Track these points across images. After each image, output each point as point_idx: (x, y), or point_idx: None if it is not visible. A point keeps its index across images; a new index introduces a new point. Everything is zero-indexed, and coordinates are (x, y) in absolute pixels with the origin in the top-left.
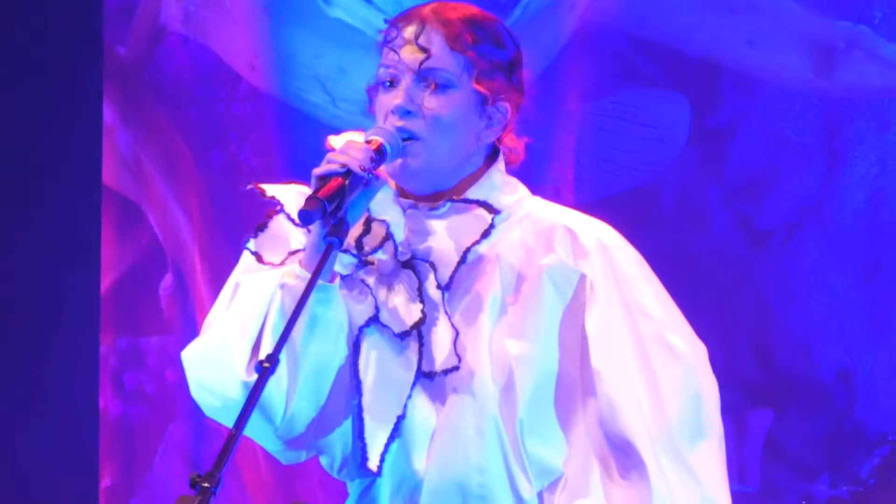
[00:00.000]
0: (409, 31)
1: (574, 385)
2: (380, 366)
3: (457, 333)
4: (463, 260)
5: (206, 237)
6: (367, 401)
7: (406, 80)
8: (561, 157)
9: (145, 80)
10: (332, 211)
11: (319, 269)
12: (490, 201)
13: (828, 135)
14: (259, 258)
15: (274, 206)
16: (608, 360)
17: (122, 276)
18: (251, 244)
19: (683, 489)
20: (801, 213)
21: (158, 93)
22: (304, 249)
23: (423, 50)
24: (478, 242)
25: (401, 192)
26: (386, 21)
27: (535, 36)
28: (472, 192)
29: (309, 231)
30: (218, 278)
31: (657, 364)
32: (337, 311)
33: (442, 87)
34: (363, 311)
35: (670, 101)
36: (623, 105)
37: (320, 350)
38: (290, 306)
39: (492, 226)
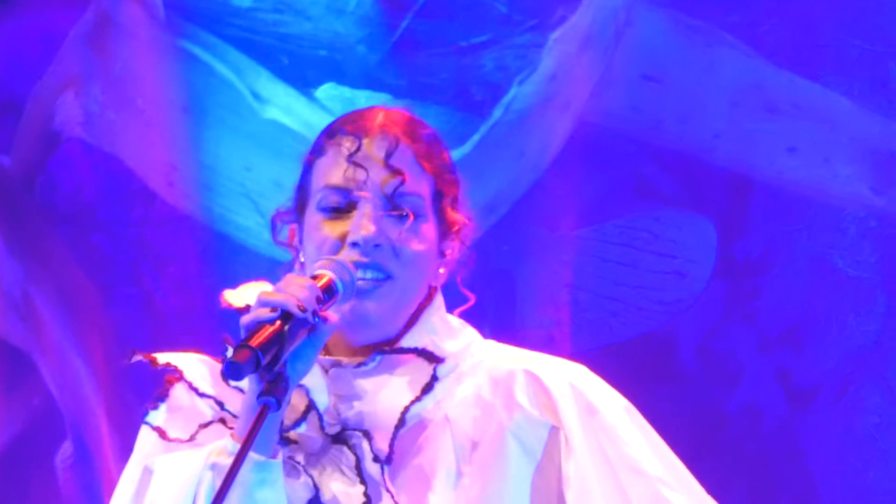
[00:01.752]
0: (378, 145)
1: None
2: None
3: None
4: (402, 423)
5: (114, 394)
6: None
7: (370, 207)
8: (553, 295)
9: (37, 198)
10: (267, 364)
11: (252, 435)
12: (430, 349)
13: (889, 266)
14: (163, 434)
15: (172, 373)
16: None
17: (7, 444)
18: (151, 417)
19: None
20: (855, 365)
21: (54, 214)
22: (214, 421)
23: (396, 172)
24: (418, 399)
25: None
26: (340, 127)
27: (521, 142)
28: (407, 340)
29: (219, 406)
30: (130, 445)
31: None
32: (282, 494)
33: (416, 218)
34: (299, 492)
35: (691, 224)
36: (632, 229)
37: None
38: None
39: (434, 378)
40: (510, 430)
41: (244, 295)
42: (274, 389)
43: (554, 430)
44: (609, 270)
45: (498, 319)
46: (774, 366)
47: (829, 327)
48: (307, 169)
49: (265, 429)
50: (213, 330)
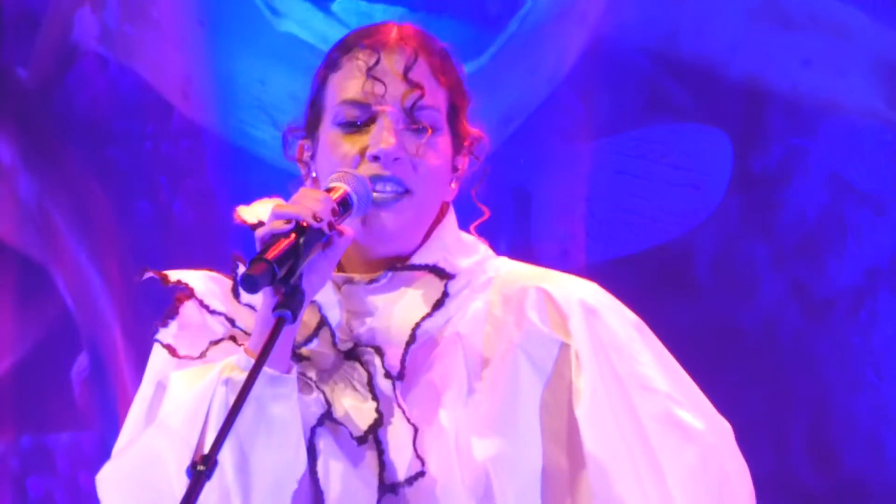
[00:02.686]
0: (395, 59)
1: (564, 480)
2: (341, 475)
3: (416, 431)
4: (413, 339)
5: (129, 308)
6: None
7: (389, 120)
8: (568, 208)
9: (53, 111)
10: (283, 277)
11: (267, 349)
12: (441, 265)
13: None
14: (173, 352)
15: (183, 291)
16: (604, 449)
17: (24, 357)
18: (161, 335)
19: None
20: (870, 277)
21: (70, 127)
22: (225, 338)
23: (415, 86)
24: (429, 316)
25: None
26: (356, 41)
27: (536, 56)
28: (418, 257)
29: (230, 323)
30: (146, 360)
31: (665, 449)
32: (297, 410)
33: (431, 132)
34: (311, 408)
35: (707, 137)
36: (647, 142)
37: (279, 459)
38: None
39: (445, 294)
40: (520, 346)
41: (257, 211)
42: (289, 302)
43: (564, 347)
44: (624, 183)
45: (513, 233)
46: (790, 279)
47: (845, 240)
48: (320, 84)
49: (280, 343)
50: (228, 243)
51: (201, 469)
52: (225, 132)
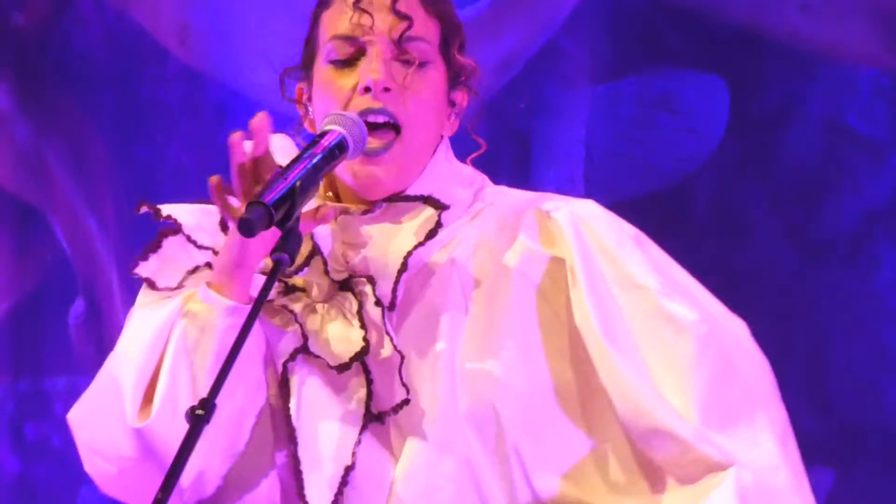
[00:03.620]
0: None
1: (572, 393)
2: (317, 407)
3: (402, 359)
4: (405, 268)
5: (125, 253)
6: (304, 451)
7: (378, 51)
8: (567, 152)
9: (49, 56)
10: (280, 219)
11: (267, 290)
12: (436, 195)
13: None
14: (152, 284)
15: (169, 226)
16: (609, 352)
17: (20, 301)
18: (140, 269)
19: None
20: (868, 220)
21: (66, 72)
22: (202, 266)
23: (403, 17)
24: (422, 245)
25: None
26: None
27: (534, 1)
28: (413, 189)
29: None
30: None
31: (664, 342)
32: (256, 339)
33: (422, 64)
34: (287, 343)
35: (704, 82)
36: (645, 88)
37: (236, 389)
38: (197, 339)
39: (439, 224)
40: (514, 267)
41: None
42: (286, 245)
43: (556, 261)
44: (622, 127)
45: (512, 177)
46: (787, 223)
47: (843, 185)
48: (314, 23)
49: (241, 272)
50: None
51: (200, 413)
52: (223, 77)
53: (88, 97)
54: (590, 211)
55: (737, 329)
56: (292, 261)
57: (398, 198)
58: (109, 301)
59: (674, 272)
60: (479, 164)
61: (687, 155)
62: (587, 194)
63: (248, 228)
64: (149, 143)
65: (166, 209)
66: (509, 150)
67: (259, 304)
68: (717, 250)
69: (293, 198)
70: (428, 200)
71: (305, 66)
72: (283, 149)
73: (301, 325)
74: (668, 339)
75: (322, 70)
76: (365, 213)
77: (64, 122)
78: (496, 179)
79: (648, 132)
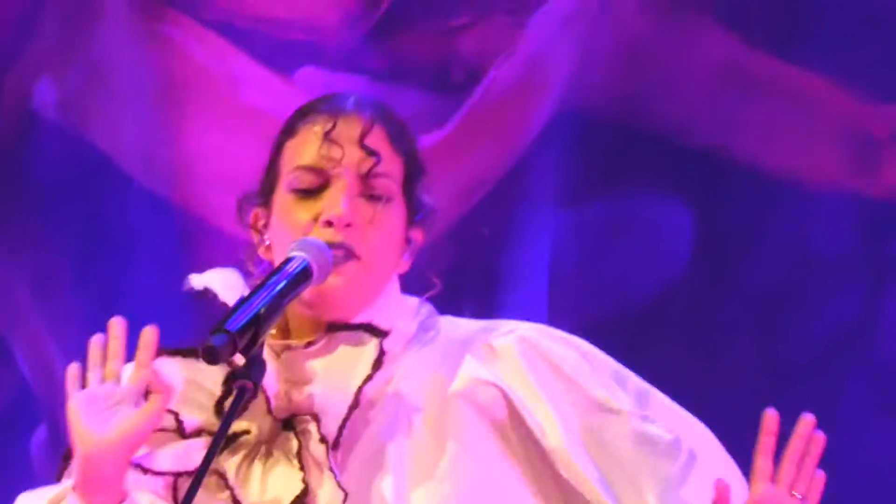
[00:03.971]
0: (352, 125)
1: None
2: None
3: (345, 496)
4: (357, 404)
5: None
6: None
7: (344, 186)
8: (532, 276)
9: (12, 180)
10: (245, 346)
11: (228, 422)
12: (375, 322)
13: (870, 245)
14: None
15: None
16: (584, 475)
17: None
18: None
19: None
20: (837, 346)
21: (29, 197)
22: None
23: (371, 153)
24: (370, 378)
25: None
26: (313, 108)
27: (500, 125)
28: (357, 318)
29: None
30: None
31: (642, 467)
32: None
33: (383, 199)
34: None
35: (669, 206)
36: (610, 211)
37: None
38: None
39: (382, 352)
40: (461, 395)
41: (206, 279)
42: (249, 372)
43: (507, 387)
44: (588, 250)
45: (476, 302)
46: (756, 346)
47: (811, 309)
48: (276, 151)
49: (110, 470)
50: (188, 313)
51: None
52: (185, 203)
53: (52, 221)
54: (538, 333)
55: (706, 435)
56: (256, 388)
57: (338, 327)
58: None
59: (631, 384)
60: (444, 290)
61: (652, 279)
62: (551, 318)
63: (212, 355)
64: (112, 268)
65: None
66: (472, 273)
67: (222, 433)
68: (685, 372)
69: (258, 324)
70: (367, 328)
71: (264, 193)
72: (231, 285)
73: (232, 490)
74: (651, 463)
75: (283, 198)
76: (307, 345)
77: (26, 246)
78: (460, 303)
79: (614, 255)
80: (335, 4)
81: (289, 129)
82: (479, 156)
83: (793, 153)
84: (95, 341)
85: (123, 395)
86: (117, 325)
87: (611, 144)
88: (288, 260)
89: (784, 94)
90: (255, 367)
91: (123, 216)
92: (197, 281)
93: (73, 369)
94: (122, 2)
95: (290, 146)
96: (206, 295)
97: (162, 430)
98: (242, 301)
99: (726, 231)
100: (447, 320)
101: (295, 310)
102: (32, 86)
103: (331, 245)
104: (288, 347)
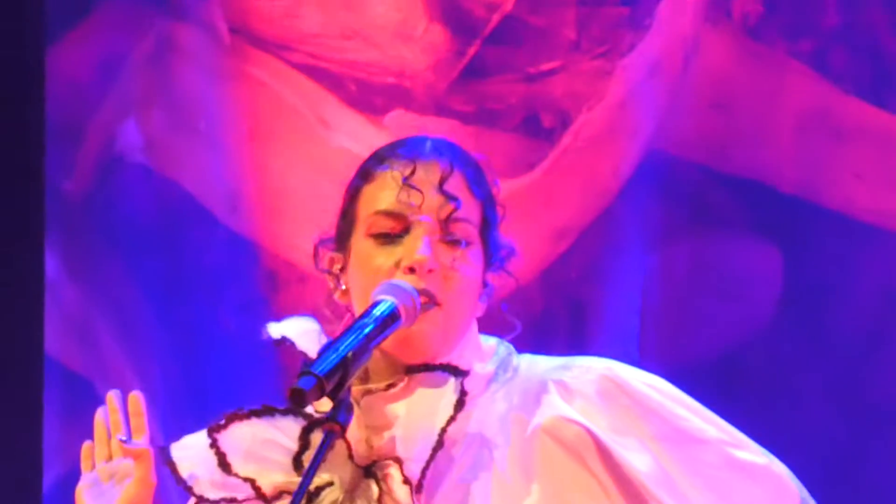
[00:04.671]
0: (431, 170)
1: None
2: None
3: None
4: (440, 445)
5: (172, 422)
6: None
7: (425, 231)
8: (621, 320)
9: (97, 222)
10: (332, 390)
11: (314, 467)
12: (454, 363)
13: None
14: None
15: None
16: None
17: (70, 470)
18: None
19: None
20: None
21: (114, 238)
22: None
23: (451, 198)
24: (453, 419)
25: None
26: (390, 153)
27: (589, 170)
28: (437, 360)
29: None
30: None
31: (737, 493)
32: None
33: (465, 244)
34: None
35: (757, 250)
36: (699, 255)
37: None
38: None
39: (464, 392)
40: (543, 433)
41: (284, 328)
42: (336, 416)
43: (589, 426)
44: (676, 296)
45: (568, 344)
46: (840, 391)
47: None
48: (353, 195)
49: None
50: (275, 356)
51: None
52: (273, 245)
53: (136, 263)
54: (617, 370)
55: (787, 471)
56: (343, 431)
57: (418, 368)
58: (157, 469)
59: (719, 419)
60: (536, 334)
61: (740, 323)
62: (641, 362)
63: (299, 398)
64: (197, 310)
65: (175, 451)
66: (564, 318)
67: (308, 478)
68: (769, 418)
69: (345, 368)
70: (447, 368)
71: (340, 237)
72: (308, 332)
73: None
74: (746, 488)
75: (362, 243)
76: (388, 387)
77: (111, 288)
78: (552, 347)
79: (701, 300)
80: (424, 49)
81: (365, 174)
82: (569, 200)
83: (882, 197)
84: (99, 418)
85: (118, 471)
86: (114, 398)
87: (699, 188)
88: (375, 303)
89: (873, 139)
90: (342, 410)
91: (208, 257)
92: (274, 330)
93: (85, 449)
94: (207, 42)
95: (368, 191)
96: (284, 343)
97: (242, 500)
98: (330, 344)
99: (814, 275)
100: (526, 359)
101: (374, 353)
102: (117, 128)
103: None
104: (368, 392)
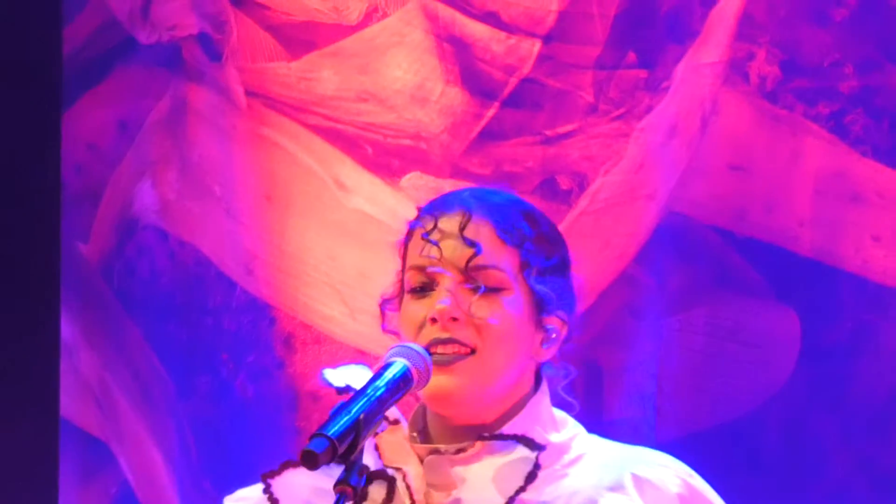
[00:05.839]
0: (452, 221)
1: None
2: None
3: None
4: None
5: (190, 486)
6: None
7: (448, 282)
8: (639, 385)
9: (113, 286)
10: (343, 453)
11: None
12: (531, 436)
13: None
14: None
15: None
16: None
17: None
18: None
19: None
20: None
21: (130, 302)
22: None
23: (471, 244)
24: (523, 489)
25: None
26: (420, 209)
27: (606, 232)
28: (510, 427)
29: None
30: None
31: None
32: None
33: (493, 290)
34: None
35: (775, 313)
36: (716, 319)
37: None
38: None
39: (538, 466)
40: None
41: (344, 375)
42: (349, 479)
43: None
44: (694, 360)
45: (584, 408)
46: (859, 455)
47: None
48: (400, 253)
49: None
50: (294, 420)
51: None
52: (291, 308)
53: (151, 326)
54: (698, 481)
55: None
56: (355, 494)
57: (492, 436)
58: None
59: None
60: (552, 395)
61: (758, 386)
62: (659, 426)
63: (311, 460)
64: (214, 374)
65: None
66: (581, 381)
67: None
68: (789, 482)
69: (357, 430)
70: (523, 440)
71: (396, 296)
72: (363, 380)
73: None
74: None
75: (405, 300)
76: (458, 451)
77: (128, 352)
78: (567, 411)
79: (719, 364)
80: (440, 112)
81: (408, 232)
82: (586, 263)
83: None
84: None
85: None
86: None
87: (716, 251)
88: (387, 365)
89: (891, 201)
90: (355, 472)
91: (226, 321)
92: (337, 378)
93: None
94: (223, 105)
95: (408, 248)
96: (347, 391)
97: None
98: (342, 406)
99: (832, 338)
100: (594, 440)
101: (432, 414)
102: (133, 190)
103: (438, 341)
104: (436, 451)
